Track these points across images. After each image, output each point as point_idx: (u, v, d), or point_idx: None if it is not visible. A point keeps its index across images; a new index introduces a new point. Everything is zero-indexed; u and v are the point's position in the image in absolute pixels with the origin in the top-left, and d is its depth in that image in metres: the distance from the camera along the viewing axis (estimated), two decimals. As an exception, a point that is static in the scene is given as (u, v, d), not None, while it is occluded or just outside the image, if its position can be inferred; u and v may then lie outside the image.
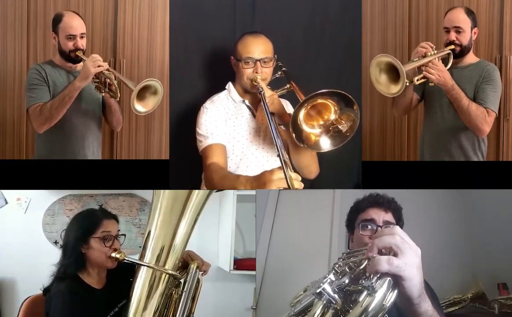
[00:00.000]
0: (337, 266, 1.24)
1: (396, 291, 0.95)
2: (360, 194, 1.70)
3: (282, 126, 1.84)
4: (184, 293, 1.43)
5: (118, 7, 2.67)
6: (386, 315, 0.94)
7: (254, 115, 2.01)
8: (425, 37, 2.63)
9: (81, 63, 2.16)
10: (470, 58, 2.21)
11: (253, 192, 2.22)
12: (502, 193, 2.16)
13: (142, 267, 1.44)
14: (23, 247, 2.47)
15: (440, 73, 2.03)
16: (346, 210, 1.73)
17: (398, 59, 1.94)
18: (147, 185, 2.29)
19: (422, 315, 1.00)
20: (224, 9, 2.37)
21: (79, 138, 2.24)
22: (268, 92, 1.86)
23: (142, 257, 1.46)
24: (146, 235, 1.48)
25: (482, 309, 2.04)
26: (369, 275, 0.99)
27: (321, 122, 1.73)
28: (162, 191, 1.48)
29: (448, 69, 2.07)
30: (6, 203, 2.52)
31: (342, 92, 1.64)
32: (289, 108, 2.02)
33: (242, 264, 2.45)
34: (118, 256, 1.53)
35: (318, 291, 1.06)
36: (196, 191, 1.49)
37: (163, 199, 1.48)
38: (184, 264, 1.50)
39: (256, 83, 1.89)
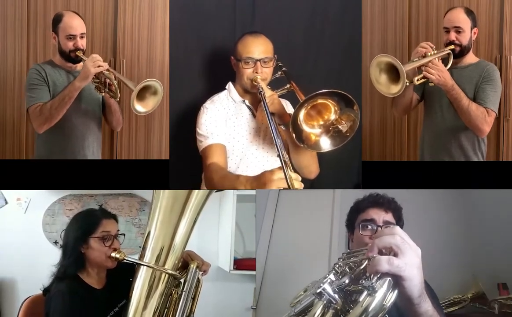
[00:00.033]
0: (337, 266, 1.24)
1: (396, 291, 0.95)
2: (360, 194, 1.70)
3: (282, 126, 1.84)
4: (184, 292, 1.43)
5: (118, 7, 2.67)
6: (386, 315, 0.94)
7: (254, 115, 2.01)
8: (425, 37, 2.63)
9: (81, 63, 2.16)
10: (470, 58, 2.21)
11: (253, 192, 2.22)
12: (502, 193, 2.16)
13: (142, 267, 1.45)
14: (23, 247, 2.47)
15: (440, 73, 2.03)
16: (346, 210, 1.73)
17: (398, 59, 1.94)
18: (147, 185, 2.29)
19: (422, 315, 1.00)
20: (224, 9, 2.37)
21: (79, 138, 2.24)
22: (268, 92, 1.86)
23: (141, 257, 1.46)
24: (146, 235, 1.48)
25: (482, 309, 2.04)
26: (369, 275, 0.99)
27: (321, 123, 1.73)
28: (162, 191, 1.48)
29: (448, 69, 2.07)
30: (6, 203, 2.52)
31: (342, 92, 1.64)
32: (289, 108, 2.02)
33: (242, 264, 2.45)
34: (117, 255, 1.53)
35: (318, 291, 1.06)
36: (196, 191, 1.49)
37: (163, 199, 1.48)
38: (184, 264, 1.50)
39: (256, 83, 1.89)
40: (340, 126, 1.71)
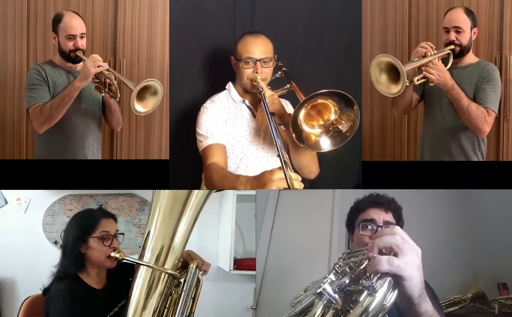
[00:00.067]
0: (337, 266, 1.24)
1: (396, 291, 0.95)
2: (360, 194, 1.70)
3: (282, 126, 1.84)
4: (183, 292, 1.43)
5: (118, 7, 2.67)
6: (387, 315, 0.94)
7: (254, 115, 2.01)
8: (425, 37, 2.63)
9: (81, 63, 2.16)
10: (470, 58, 2.21)
11: (253, 192, 2.22)
12: (502, 193, 2.16)
13: (142, 266, 1.44)
14: (23, 247, 2.47)
15: (440, 73, 2.03)
16: (346, 210, 1.73)
17: (398, 59, 1.94)
18: (147, 185, 2.29)
19: (422, 315, 1.00)
20: (224, 9, 2.37)
21: (79, 138, 2.24)
22: (268, 92, 1.86)
23: (141, 257, 1.46)
24: (145, 235, 1.48)
25: (482, 309, 2.05)
26: (370, 275, 0.99)
27: (321, 123, 1.73)
28: (161, 191, 1.48)
29: (448, 69, 2.07)
30: (6, 203, 2.52)
31: (342, 92, 1.64)
32: (289, 108, 2.02)
33: (242, 264, 2.45)
34: (117, 255, 1.53)
35: (318, 291, 1.06)
36: (196, 191, 1.49)
37: (163, 199, 1.48)
38: (184, 263, 1.50)
39: (256, 83, 1.89)
40: (340, 126, 1.71)
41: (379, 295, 0.93)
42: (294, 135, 1.70)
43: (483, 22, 2.55)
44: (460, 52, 2.16)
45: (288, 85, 1.96)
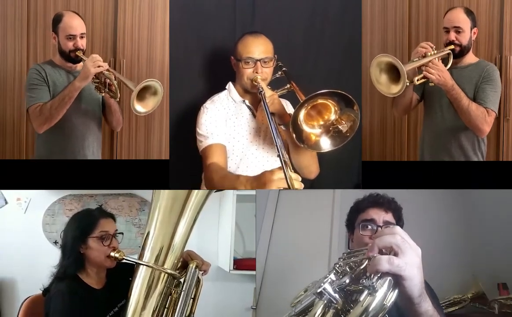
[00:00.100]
0: (337, 266, 1.24)
1: (396, 291, 0.95)
2: (360, 194, 1.70)
3: (282, 126, 1.84)
4: (183, 292, 1.42)
5: (118, 7, 2.67)
6: (387, 314, 0.94)
7: (254, 115, 2.01)
8: (425, 37, 2.63)
9: (81, 63, 2.16)
10: (470, 58, 2.21)
11: (253, 192, 2.22)
12: (502, 193, 2.16)
13: (141, 266, 1.44)
14: (23, 247, 2.47)
15: (440, 73, 2.03)
16: (346, 210, 1.73)
17: (398, 59, 1.94)
18: (147, 185, 2.29)
19: (422, 315, 1.00)
20: (224, 9, 2.37)
21: (79, 138, 2.24)
22: (268, 92, 1.86)
23: (141, 256, 1.46)
24: (145, 235, 1.48)
25: (482, 309, 2.05)
26: (370, 275, 0.99)
27: (321, 123, 1.73)
28: (161, 191, 1.48)
29: (448, 69, 2.07)
30: (6, 203, 2.52)
31: (342, 92, 1.64)
32: (289, 108, 2.02)
33: (242, 264, 2.45)
34: (117, 255, 1.53)
35: (318, 291, 1.06)
36: (196, 191, 1.49)
37: (163, 199, 1.48)
38: (184, 263, 1.49)
39: (256, 83, 1.89)
40: (340, 127, 1.71)
41: (379, 295, 0.93)
42: (294, 135, 1.70)
43: (483, 22, 2.55)
44: (460, 52, 2.17)
45: (288, 85, 1.96)
